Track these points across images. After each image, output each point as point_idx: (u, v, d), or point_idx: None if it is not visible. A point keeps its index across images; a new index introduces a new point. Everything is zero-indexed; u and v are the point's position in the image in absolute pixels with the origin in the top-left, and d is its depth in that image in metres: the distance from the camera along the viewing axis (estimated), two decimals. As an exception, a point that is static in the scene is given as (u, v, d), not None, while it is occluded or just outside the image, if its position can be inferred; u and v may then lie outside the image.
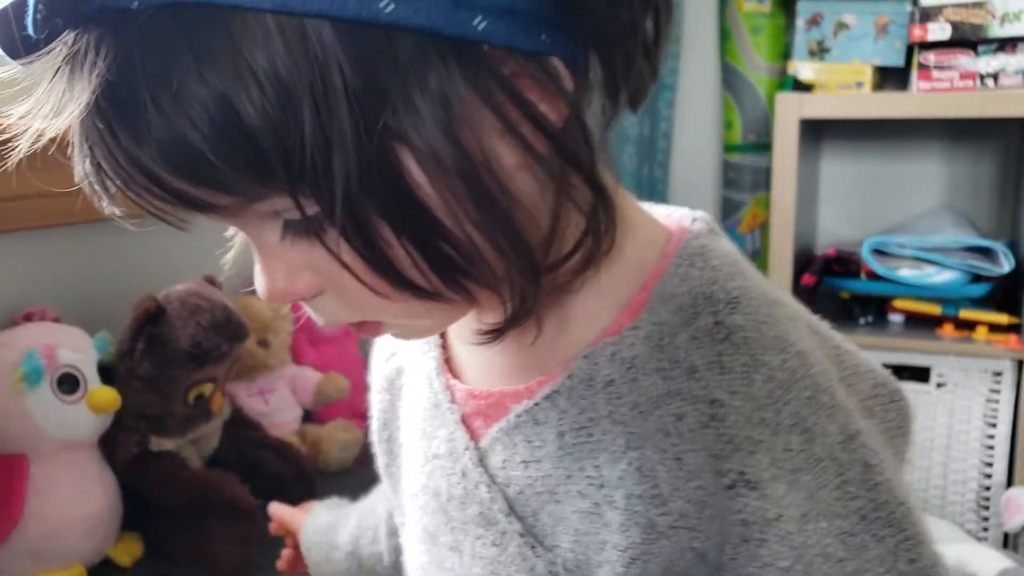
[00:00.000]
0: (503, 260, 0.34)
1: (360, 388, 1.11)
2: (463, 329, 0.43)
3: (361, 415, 1.12)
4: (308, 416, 1.06)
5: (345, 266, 0.33)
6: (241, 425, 0.90)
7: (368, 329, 0.39)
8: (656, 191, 1.92)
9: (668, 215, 0.43)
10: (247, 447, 0.88)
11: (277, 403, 1.00)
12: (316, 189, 0.31)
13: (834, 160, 2.10)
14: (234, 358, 0.84)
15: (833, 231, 2.00)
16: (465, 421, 0.43)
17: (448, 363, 0.45)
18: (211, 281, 0.86)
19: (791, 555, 0.36)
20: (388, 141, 0.31)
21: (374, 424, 0.52)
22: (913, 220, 1.95)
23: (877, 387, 0.41)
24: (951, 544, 1.44)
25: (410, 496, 0.47)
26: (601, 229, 0.36)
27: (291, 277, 0.36)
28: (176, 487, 0.77)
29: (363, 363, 1.18)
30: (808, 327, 0.40)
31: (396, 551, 0.55)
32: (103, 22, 0.30)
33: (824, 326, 0.42)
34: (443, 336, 0.46)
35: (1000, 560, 1.32)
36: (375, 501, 0.65)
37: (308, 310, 0.38)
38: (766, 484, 0.36)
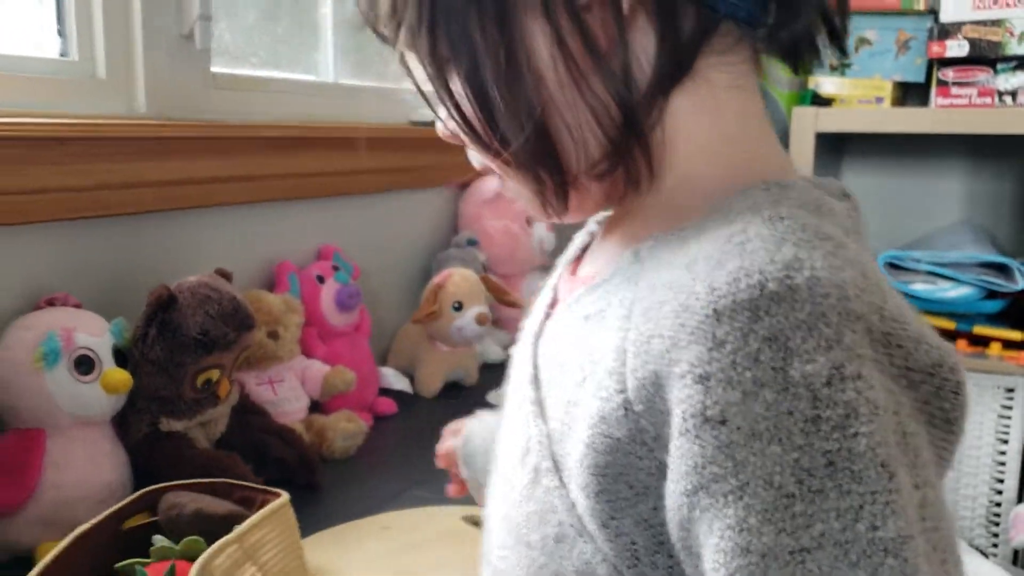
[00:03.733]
0: (533, 155, 0.42)
1: (365, 382, 1.17)
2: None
3: (365, 407, 1.17)
4: (315, 406, 1.11)
5: (449, 114, 0.43)
6: (248, 411, 0.95)
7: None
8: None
9: (807, 175, 0.44)
10: (253, 432, 0.93)
11: (285, 393, 1.05)
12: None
13: (856, 174, 2.11)
14: (241, 347, 0.89)
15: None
16: (548, 312, 0.49)
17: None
18: (223, 274, 0.92)
19: (727, 467, 0.32)
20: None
21: None
22: (934, 235, 1.95)
23: (936, 367, 0.36)
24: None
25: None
26: (630, 155, 0.41)
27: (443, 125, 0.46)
28: (184, 466, 0.82)
29: (371, 358, 1.23)
30: (864, 273, 0.36)
31: None
32: None
33: (896, 293, 0.38)
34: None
35: (993, 571, 1.33)
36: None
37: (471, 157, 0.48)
38: (717, 383, 0.33)
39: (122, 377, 0.80)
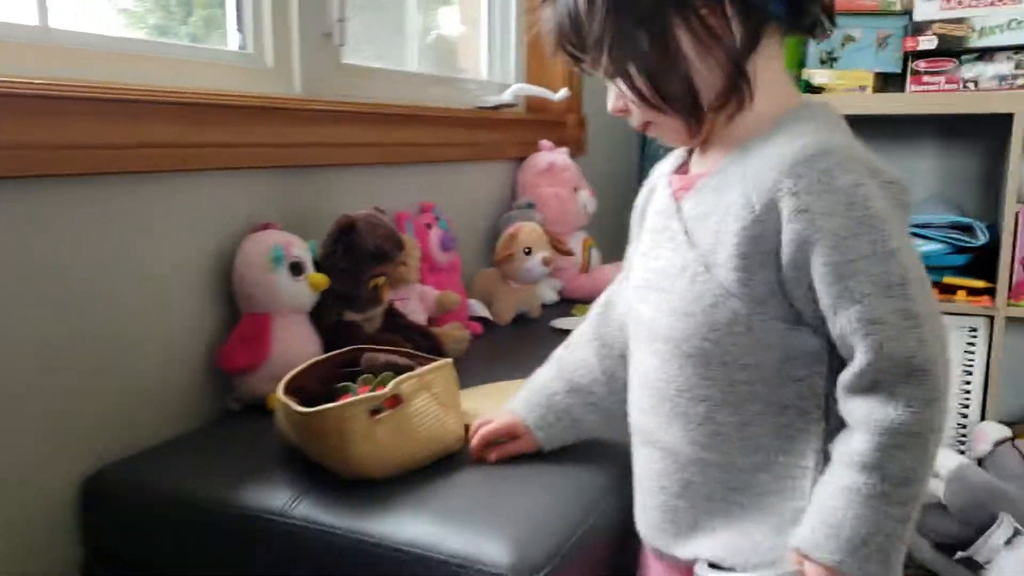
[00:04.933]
0: (685, 103, 0.74)
1: (461, 307, 1.48)
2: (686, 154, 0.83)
3: (464, 322, 1.48)
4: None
5: (625, 92, 0.75)
6: (394, 314, 1.26)
7: (647, 129, 0.79)
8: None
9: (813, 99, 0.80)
10: (399, 328, 1.24)
11: (409, 308, 1.36)
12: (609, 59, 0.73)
13: (843, 154, 2.43)
14: (397, 261, 1.20)
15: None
16: (675, 196, 0.79)
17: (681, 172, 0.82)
18: (379, 210, 1.23)
19: (812, 232, 0.66)
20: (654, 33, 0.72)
21: (632, 227, 0.89)
22: (915, 206, 2.27)
23: (896, 179, 0.70)
24: None
25: (639, 257, 0.82)
26: (741, 95, 0.73)
27: (616, 102, 0.78)
28: (362, 343, 1.13)
29: (463, 290, 1.54)
30: (857, 145, 0.71)
31: (607, 362, 0.93)
32: None
33: (873, 156, 0.72)
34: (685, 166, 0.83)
35: (957, 459, 1.66)
36: (559, 360, 0.98)
37: (632, 119, 0.79)
38: (801, 192, 0.66)
39: (323, 278, 1.12)
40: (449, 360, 1.02)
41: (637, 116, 0.78)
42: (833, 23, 0.77)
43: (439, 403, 0.96)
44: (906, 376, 0.66)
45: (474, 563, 0.77)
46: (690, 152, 0.83)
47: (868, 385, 0.67)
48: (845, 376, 0.69)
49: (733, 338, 0.72)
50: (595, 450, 0.98)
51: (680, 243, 0.76)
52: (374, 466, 0.89)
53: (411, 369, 0.99)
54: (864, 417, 0.67)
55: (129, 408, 1.03)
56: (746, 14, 0.71)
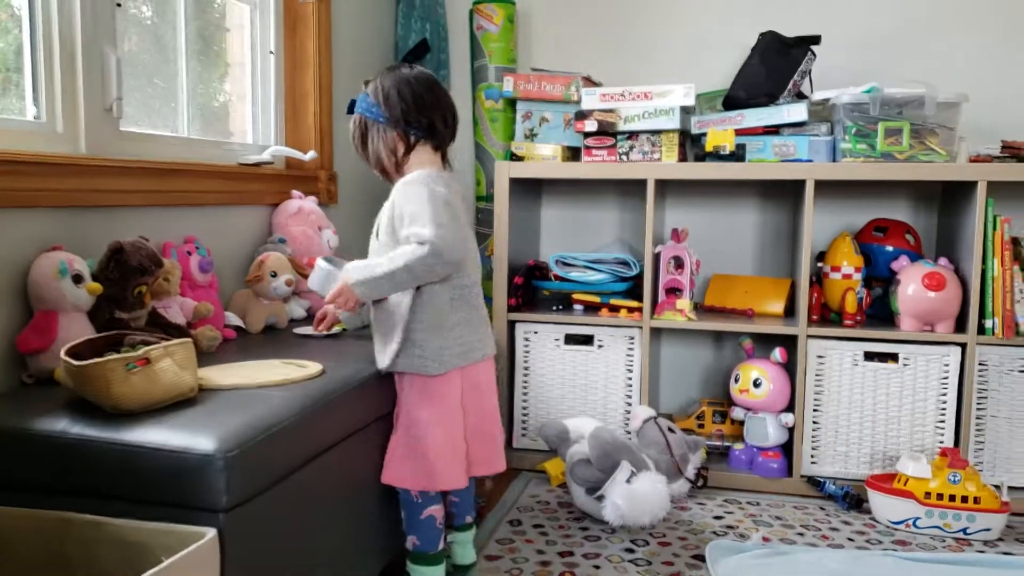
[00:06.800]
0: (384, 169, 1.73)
1: (216, 318, 1.94)
2: None
3: (219, 327, 1.94)
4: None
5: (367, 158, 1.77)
6: (156, 316, 1.71)
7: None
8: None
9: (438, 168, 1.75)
10: (160, 326, 1.69)
11: (170, 315, 1.81)
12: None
13: (549, 206, 3.10)
14: (157, 275, 1.65)
15: (551, 253, 2.95)
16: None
17: None
18: (143, 238, 1.68)
19: (402, 203, 1.64)
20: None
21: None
22: (602, 247, 2.95)
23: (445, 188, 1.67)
24: (577, 419, 2.40)
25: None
26: (401, 167, 1.72)
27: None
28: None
29: (220, 304, 2.00)
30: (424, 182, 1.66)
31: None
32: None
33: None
34: None
35: (593, 423, 2.28)
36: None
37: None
38: (401, 196, 1.65)
39: (97, 286, 1.56)
40: (188, 340, 1.49)
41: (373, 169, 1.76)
42: (451, 138, 1.75)
43: (179, 366, 1.43)
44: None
45: (189, 451, 1.24)
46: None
47: None
48: None
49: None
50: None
51: (373, 234, 1.72)
52: (130, 404, 1.34)
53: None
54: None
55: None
56: (407, 137, 1.68)
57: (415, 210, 1.59)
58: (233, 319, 2.05)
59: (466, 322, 1.72)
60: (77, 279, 1.55)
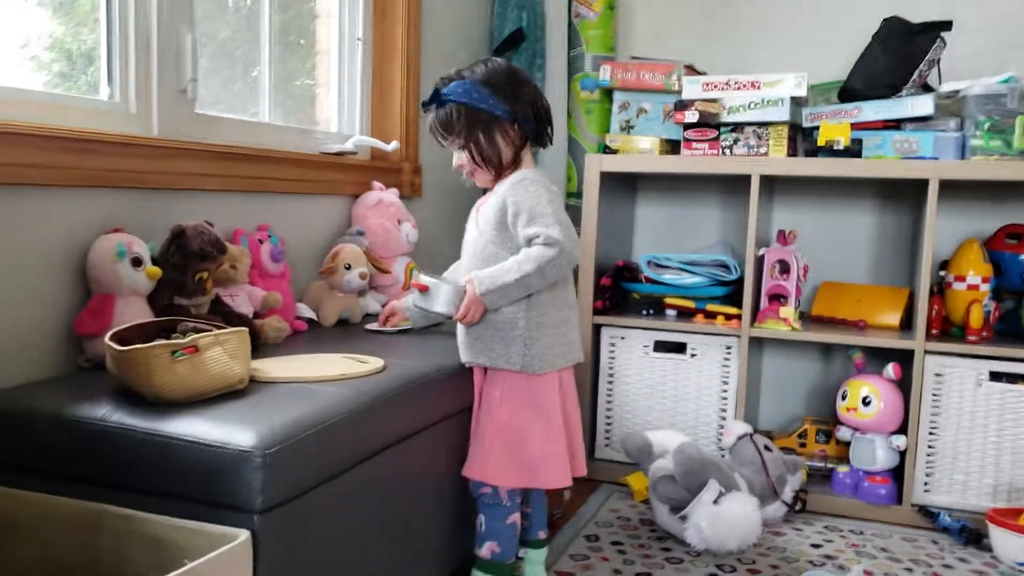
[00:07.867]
0: (496, 166, 1.69)
1: (288, 308, 1.88)
2: None
3: (288, 319, 1.87)
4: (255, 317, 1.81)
5: (464, 157, 1.70)
6: (220, 304, 1.65)
7: (471, 176, 1.73)
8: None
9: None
10: (223, 315, 1.63)
11: (237, 303, 1.75)
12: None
13: (646, 203, 2.93)
14: (218, 262, 1.60)
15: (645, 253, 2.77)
16: (478, 208, 1.69)
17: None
18: (208, 223, 1.62)
19: (520, 202, 1.65)
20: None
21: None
22: (701, 249, 2.76)
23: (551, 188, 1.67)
24: (661, 432, 2.23)
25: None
26: (515, 165, 1.70)
27: (457, 161, 1.71)
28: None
29: (291, 295, 1.94)
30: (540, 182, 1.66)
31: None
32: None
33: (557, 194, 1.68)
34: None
35: (680, 438, 2.11)
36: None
37: (464, 171, 1.74)
38: (517, 194, 1.64)
39: (156, 270, 1.51)
40: (244, 329, 1.42)
41: (468, 169, 1.69)
42: (551, 141, 1.73)
43: (229, 356, 1.35)
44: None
45: (226, 445, 1.16)
46: (484, 191, 1.72)
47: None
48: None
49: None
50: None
51: (472, 226, 1.68)
52: (173, 393, 1.27)
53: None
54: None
55: (6, 359, 1.40)
56: (520, 133, 1.66)
57: (538, 210, 1.58)
58: (305, 311, 1.98)
59: (567, 321, 1.70)
60: (136, 262, 1.50)
